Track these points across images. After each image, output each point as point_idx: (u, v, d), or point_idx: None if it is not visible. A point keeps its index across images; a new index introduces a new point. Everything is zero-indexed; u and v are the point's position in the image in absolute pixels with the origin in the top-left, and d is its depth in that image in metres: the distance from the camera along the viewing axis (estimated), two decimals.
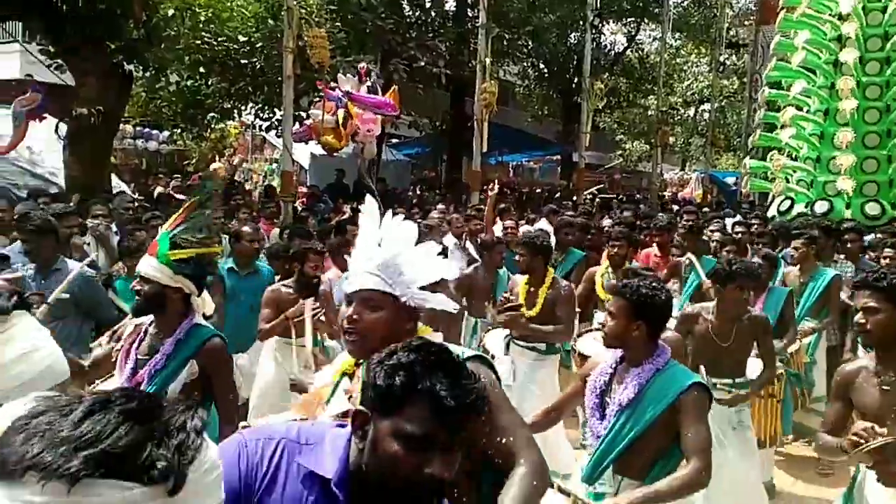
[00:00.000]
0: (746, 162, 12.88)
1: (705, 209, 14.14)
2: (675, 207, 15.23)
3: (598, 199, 16.51)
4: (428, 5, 17.05)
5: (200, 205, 3.09)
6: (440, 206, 11.54)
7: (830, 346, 6.12)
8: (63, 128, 10.64)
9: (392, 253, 1.95)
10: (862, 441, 2.52)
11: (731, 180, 23.19)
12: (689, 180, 25.88)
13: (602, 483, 2.88)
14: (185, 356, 2.98)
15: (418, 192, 18.01)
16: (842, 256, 6.71)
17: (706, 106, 28.54)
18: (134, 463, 0.87)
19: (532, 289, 5.02)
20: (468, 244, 7.69)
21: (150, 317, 3.07)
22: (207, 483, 0.94)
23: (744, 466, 4.19)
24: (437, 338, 1.98)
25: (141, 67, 10.96)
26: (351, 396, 1.96)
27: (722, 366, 4.26)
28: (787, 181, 11.50)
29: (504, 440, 1.78)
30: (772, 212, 11.43)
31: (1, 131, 11.87)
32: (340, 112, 9.92)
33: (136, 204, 9.31)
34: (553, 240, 6.79)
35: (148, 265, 2.94)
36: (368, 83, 10.53)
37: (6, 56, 17.31)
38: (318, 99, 10.89)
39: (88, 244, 6.52)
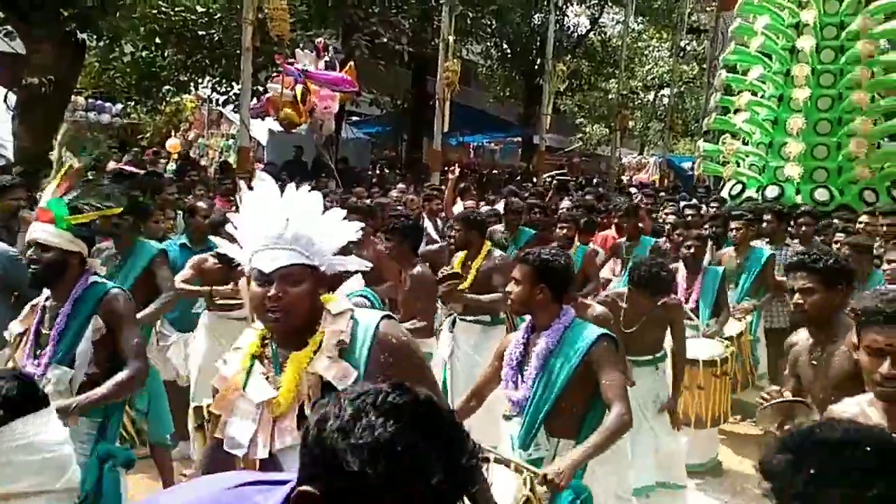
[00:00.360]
0: (700, 144, 13.03)
1: (661, 193, 14.33)
2: (633, 191, 15.40)
3: (555, 181, 16.60)
4: None
5: (86, 170, 3.14)
6: (400, 185, 11.49)
7: (770, 328, 6.28)
8: (12, 98, 10.30)
9: (302, 225, 1.92)
10: (766, 401, 2.94)
11: (687, 165, 23.50)
12: (646, 164, 26.18)
13: (537, 448, 2.98)
14: (86, 314, 2.93)
15: (378, 172, 17.90)
16: (795, 241, 6.85)
17: (666, 91, 28.85)
18: None
19: (469, 262, 5.11)
20: (427, 224, 7.72)
21: (45, 293, 3.02)
22: (15, 461, 0.88)
23: (666, 438, 4.27)
24: (344, 301, 2.04)
25: (95, 36, 10.63)
26: (268, 377, 1.95)
27: (632, 349, 4.20)
28: (739, 165, 11.71)
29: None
30: (724, 195, 11.64)
31: None
32: (299, 87, 9.78)
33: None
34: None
35: (44, 232, 2.88)
36: (326, 58, 10.37)
37: None
38: (276, 73, 10.71)
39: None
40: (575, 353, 2.90)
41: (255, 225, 1.94)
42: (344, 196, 8.43)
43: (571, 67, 18.95)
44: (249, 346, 2.02)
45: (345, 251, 2.05)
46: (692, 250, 5.49)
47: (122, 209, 3.93)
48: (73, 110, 13.94)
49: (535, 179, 16.11)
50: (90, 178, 3.25)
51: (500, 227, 7.08)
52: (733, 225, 6.28)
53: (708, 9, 27.40)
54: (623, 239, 6.93)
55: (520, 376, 3.03)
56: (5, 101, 10.26)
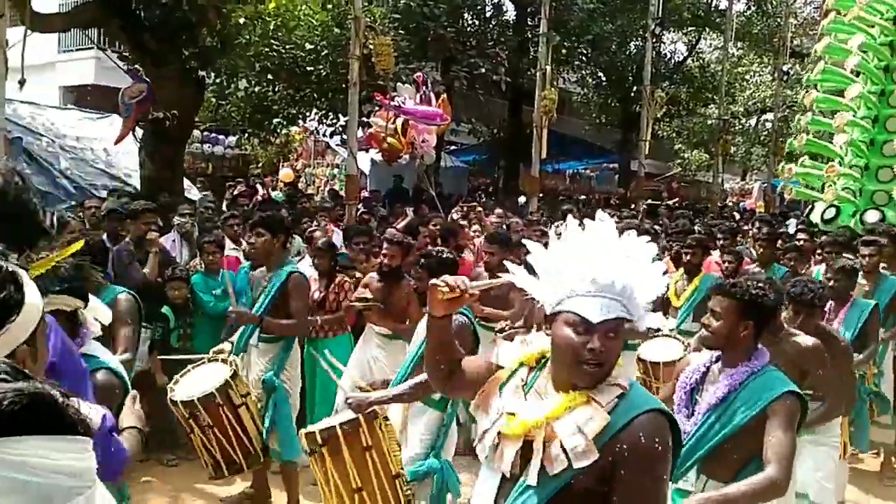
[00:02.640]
0: (792, 168, 12.41)
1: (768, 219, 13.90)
2: (737, 216, 15.02)
3: (644, 206, 16.39)
4: (488, 14, 17.22)
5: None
6: (497, 210, 11.67)
7: None
8: (139, 131, 11.13)
9: (632, 276, 1.82)
10: None
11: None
12: (750, 190, 25.41)
13: (685, 481, 2.85)
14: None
15: (475, 198, 18.16)
16: None
17: (768, 115, 28.00)
18: None
19: None
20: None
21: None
22: None
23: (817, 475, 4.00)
24: (626, 373, 1.92)
25: (213, 73, 11.38)
26: (525, 385, 1.95)
27: None
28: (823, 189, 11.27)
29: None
30: (814, 220, 11.16)
31: (79, 132, 12.52)
32: (399, 120, 10.16)
33: (215, 205, 9.75)
34: None
35: None
36: (427, 91, 10.70)
37: (81, 63, 18.14)
38: (378, 108, 11.13)
39: (174, 240, 6.87)
40: (756, 401, 2.69)
41: (580, 265, 1.83)
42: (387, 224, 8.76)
43: (670, 94, 18.74)
44: (525, 353, 2.00)
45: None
46: (835, 283, 4.99)
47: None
48: (190, 142, 14.88)
49: (633, 206, 15.96)
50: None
51: None
52: (865, 251, 5.82)
53: (811, 32, 26.57)
54: (754, 266, 6.64)
55: (687, 406, 2.88)
56: (133, 133, 11.08)
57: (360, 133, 11.42)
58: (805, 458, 3.88)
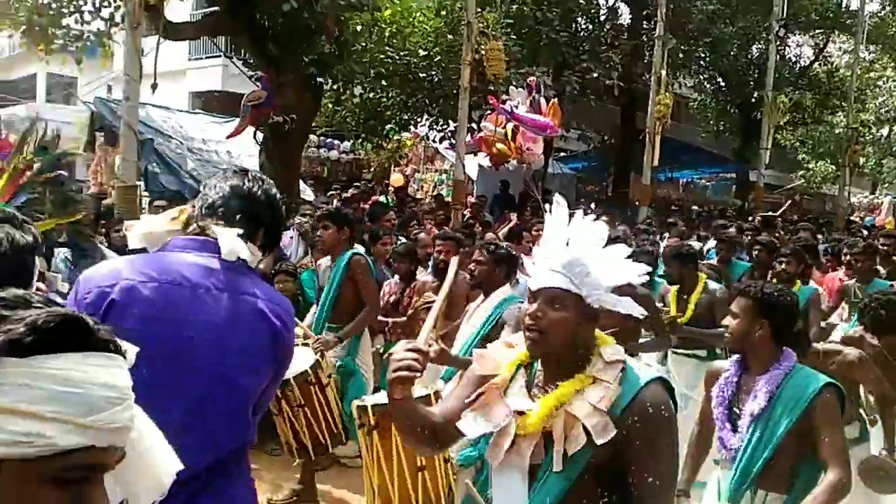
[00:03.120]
0: None
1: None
2: (865, 232, 14.13)
3: (758, 217, 15.66)
4: (602, 18, 16.96)
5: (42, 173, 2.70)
6: (603, 218, 11.46)
7: None
8: (260, 135, 11.64)
9: (580, 252, 1.89)
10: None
11: None
12: (880, 205, 23.85)
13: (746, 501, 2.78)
14: None
15: (583, 206, 17.91)
16: None
17: None
18: None
19: (684, 297, 5.20)
20: None
21: None
22: (34, 385, 0.89)
23: None
24: (618, 349, 1.95)
25: (330, 80, 11.76)
26: (531, 391, 1.98)
27: None
28: None
29: (650, 480, 1.85)
30: None
31: (205, 135, 13.23)
32: (510, 126, 10.15)
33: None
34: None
35: None
36: (537, 97, 10.64)
37: (209, 70, 19.17)
38: (489, 112, 11.17)
39: (291, 237, 7.18)
40: (797, 403, 2.67)
41: (542, 248, 1.97)
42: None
43: (794, 100, 17.86)
44: (520, 353, 2.03)
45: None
46: None
47: (83, 215, 3.88)
48: (307, 147, 15.43)
49: (751, 218, 15.30)
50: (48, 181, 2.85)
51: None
52: None
53: None
54: (852, 280, 6.32)
55: (730, 420, 2.86)
56: (255, 137, 11.59)
57: (468, 138, 11.51)
58: None
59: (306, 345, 4.53)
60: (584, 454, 1.85)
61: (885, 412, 3.55)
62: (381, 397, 3.61)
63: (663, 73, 12.95)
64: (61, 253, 4.64)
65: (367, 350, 5.00)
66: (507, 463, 1.95)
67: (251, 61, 12.04)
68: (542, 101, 10.54)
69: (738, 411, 2.84)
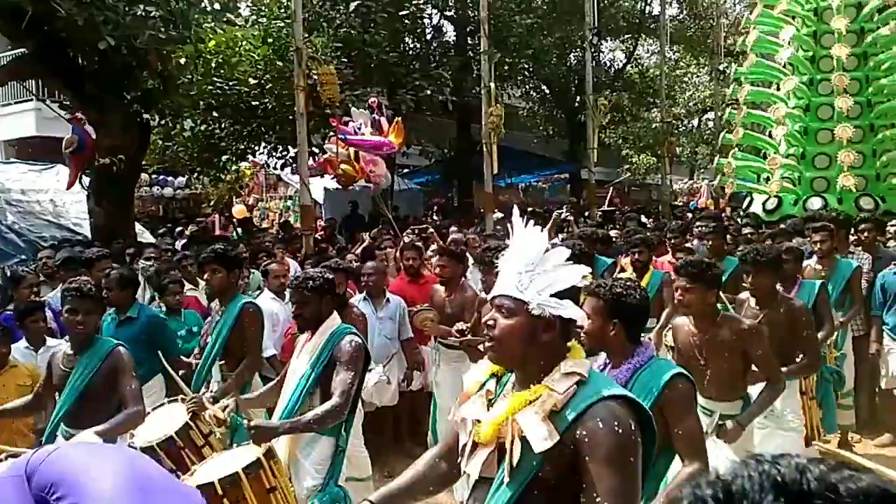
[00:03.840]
0: (731, 161, 12.67)
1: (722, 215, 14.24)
2: (689, 216, 15.36)
3: (599, 213, 16.68)
4: (429, 36, 17.41)
5: None
6: (453, 228, 11.75)
7: (856, 337, 6.20)
8: (86, 179, 10.96)
9: (520, 262, 1.94)
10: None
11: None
12: (699, 189, 25.97)
13: None
14: None
15: (432, 218, 18.25)
16: (858, 248, 6.82)
17: (710, 115, 28.73)
18: None
19: None
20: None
21: None
22: None
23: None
24: (582, 363, 1.96)
25: (157, 115, 11.28)
26: (491, 400, 2.01)
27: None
28: (768, 181, 11.61)
29: (598, 500, 1.79)
30: (755, 211, 11.47)
31: (24, 185, 12.28)
32: (352, 149, 10.20)
33: (172, 247, 9.73)
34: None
35: None
36: (374, 117, 10.74)
37: (21, 115, 17.80)
38: (331, 134, 11.13)
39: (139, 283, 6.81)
40: (648, 394, 2.66)
41: (502, 258, 2.04)
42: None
43: (613, 101, 19.12)
44: (494, 367, 2.07)
45: None
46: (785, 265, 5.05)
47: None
48: (139, 186, 14.69)
49: (587, 213, 16.19)
50: None
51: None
52: (816, 237, 6.02)
53: (743, 31, 27.41)
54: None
55: None
56: (80, 182, 10.90)
57: (311, 162, 11.41)
58: (769, 446, 4.02)
59: (176, 400, 4.22)
60: (530, 464, 1.85)
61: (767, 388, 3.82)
62: (228, 462, 3.40)
63: (492, 85, 13.42)
64: None
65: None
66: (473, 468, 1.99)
67: (68, 103, 11.34)
68: (383, 120, 10.64)
69: None
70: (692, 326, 3.83)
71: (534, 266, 1.93)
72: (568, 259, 1.98)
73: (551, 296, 1.91)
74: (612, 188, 25.50)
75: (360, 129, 10.06)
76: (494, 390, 2.04)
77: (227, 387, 4.49)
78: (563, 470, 1.84)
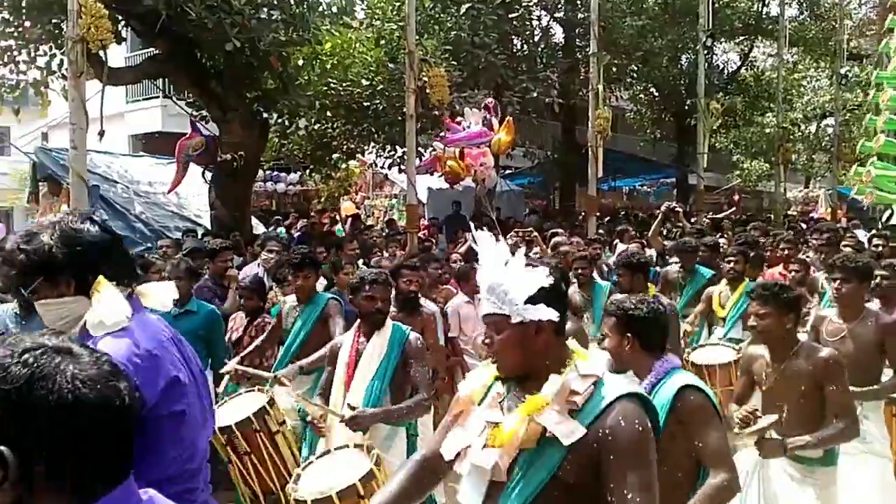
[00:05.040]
0: (870, 170, 11.98)
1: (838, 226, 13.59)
2: (804, 226, 14.73)
3: (707, 220, 16.18)
4: (537, 38, 17.41)
5: None
6: (558, 230, 11.71)
7: None
8: (208, 174, 11.61)
9: (491, 276, 2.02)
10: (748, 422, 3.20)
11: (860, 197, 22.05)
12: (815, 198, 24.81)
13: None
14: None
15: (531, 221, 18.23)
16: None
17: (829, 120, 27.36)
18: None
19: None
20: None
21: None
22: None
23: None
24: (596, 360, 2.01)
25: (275, 114, 11.81)
26: (501, 402, 2.05)
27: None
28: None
29: (628, 496, 1.84)
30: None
31: (151, 177, 13.12)
32: (456, 148, 10.37)
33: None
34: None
35: None
36: (489, 117, 10.86)
37: (148, 111, 18.99)
38: (442, 133, 11.32)
39: (256, 274, 7.19)
40: (661, 409, 2.56)
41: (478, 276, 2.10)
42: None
43: (725, 104, 18.54)
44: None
45: None
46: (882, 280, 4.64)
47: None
48: (254, 181, 15.40)
49: (693, 219, 15.78)
50: None
51: (674, 268, 7.07)
52: None
53: (868, 33, 25.96)
54: (822, 273, 6.43)
55: None
56: (203, 176, 11.56)
57: (417, 161, 11.67)
58: (858, 473, 3.77)
59: (255, 390, 4.42)
60: (548, 465, 1.89)
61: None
62: (318, 488, 3.31)
63: (600, 87, 13.32)
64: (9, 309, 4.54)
65: None
66: (475, 475, 2.02)
67: (193, 100, 12.03)
68: (495, 121, 10.77)
69: None
70: (768, 356, 3.52)
71: (502, 279, 1.99)
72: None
73: (526, 303, 1.96)
74: (731, 200, 24.80)
75: (468, 127, 10.23)
76: (503, 394, 2.08)
77: (311, 362, 4.56)
78: (582, 470, 1.87)
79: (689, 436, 2.62)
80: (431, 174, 11.60)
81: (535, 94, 14.01)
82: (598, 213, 15.08)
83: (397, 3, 12.85)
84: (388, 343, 3.90)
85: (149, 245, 10.74)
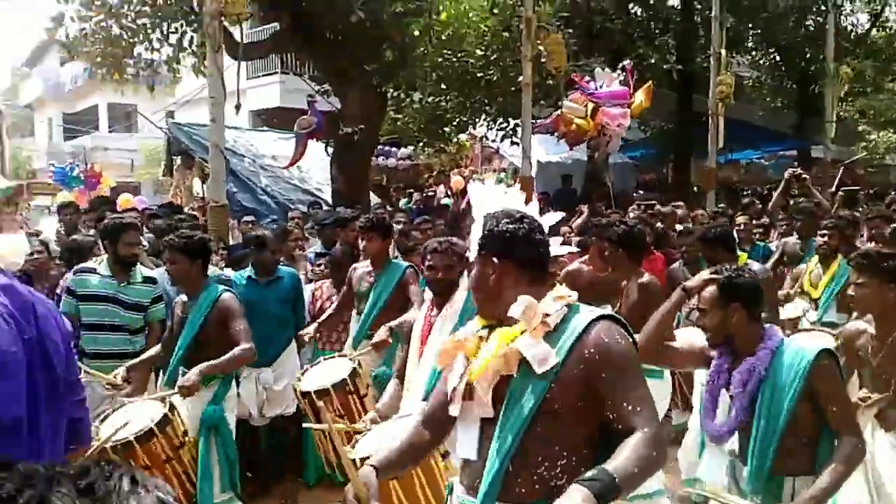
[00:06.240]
0: None
1: None
2: None
3: (840, 194, 15.25)
4: (654, 2, 16.81)
5: None
6: (679, 203, 11.36)
7: None
8: (330, 148, 11.90)
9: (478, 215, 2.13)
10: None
11: None
12: None
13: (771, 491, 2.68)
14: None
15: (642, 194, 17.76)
16: None
17: None
18: None
19: None
20: None
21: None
22: None
23: None
24: (569, 293, 2.02)
25: (393, 87, 11.97)
26: (484, 339, 2.07)
27: None
28: None
29: (629, 407, 1.81)
30: None
31: (274, 151, 13.60)
32: (590, 105, 10.15)
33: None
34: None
35: None
36: (623, 78, 10.65)
37: (267, 87, 19.65)
38: (569, 92, 11.06)
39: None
40: (797, 376, 2.57)
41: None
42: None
43: (857, 69, 17.41)
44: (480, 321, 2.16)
45: None
46: None
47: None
48: None
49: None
50: None
51: (793, 239, 6.83)
52: None
53: None
54: None
55: (713, 410, 2.84)
56: (326, 150, 11.87)
57: (539, 121, 11.54)
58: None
59: (343, 356, 4.56)
60: (534, 394, 1.87)
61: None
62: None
63: (722, 52, 12.82)
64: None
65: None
66: (467, 413, 2.03)
67: (308, 78, 12.37)
68: (632, 84, 10.59)
69: (730, 397, 2.77)
70: (871, 329, 3.27)
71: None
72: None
73: (482, 247, 2.02)
74: (842, 168, 23.33)
75: (600, 87, 10.06)
76: (485, 336, 2.07)
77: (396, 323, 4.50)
78: (569, 396, 1.86)
79: (823, 400, 2.58)
80: (552, 134, 11.39)
81: (652, 61, 13.59)
82: (716, 187, 14.54)
83: None
84: (459, 314, 3.63)
85: (275, 217, 11.15)
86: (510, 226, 2.02)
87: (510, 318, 1.96)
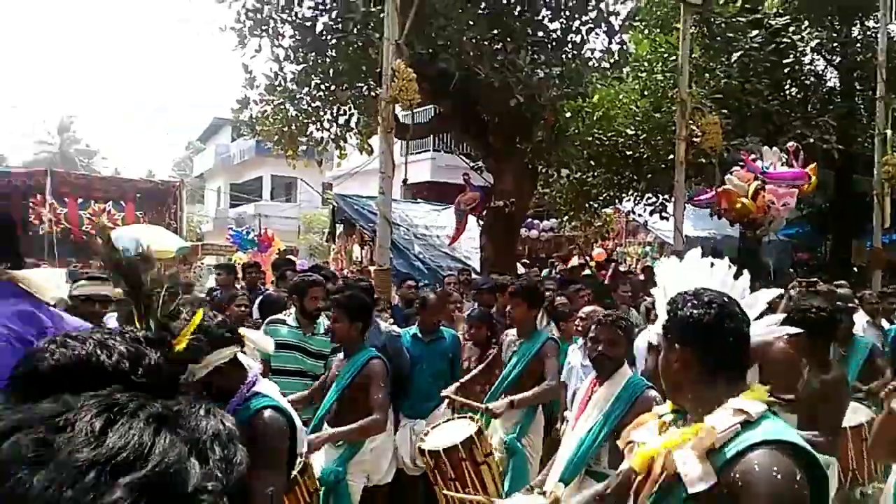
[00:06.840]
0: None
1: None
2: None
3: None
4: (811, 83, 16.49)
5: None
6: (842, 281, 10.94)
7: None
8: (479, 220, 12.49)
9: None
10: None
11: None
12: None
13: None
14: None
15: (799, 273, 17.05)
16: None
17: None
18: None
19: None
20: (883, 322, 7.58)
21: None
22: None
23: None
24: (754, 404, 1.83)
25: (545, 164, 12.45)
26: (666, 423, 2.03)
27: None
28: None
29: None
30: None
31: (426, 221, 14.36)
32: (754, 184, 10.16)
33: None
34: None
35: None
36: (793, 160, 10.63)
37: (420, 164, 20.79)
38: (735, 169, 11.06)
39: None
40: None
41: None
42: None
43: None
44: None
45: None
46: None
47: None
48: None
49: None
50: None
51: None
52: None
53: None
54: None
55: None
56: (478, 221, 12.45)
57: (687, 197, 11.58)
58: None
59: (466, 418, 4.51)
60: (676, 499, 1.79)
61: None
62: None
63: (888, 132, 12.39)
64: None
65: (537, 432, 4.89)
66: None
67: (468, 154, 13.11)
68: (797, 165, 10.55)
69: None
70: None
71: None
72: None
73: (667, 332, 1.92)
74: None
75: (768, 168, 10.07)
76: (671, 422, 2.00)
77: (522, 399, 4.60)
78: None
79: None
80: (712, 210, 11.34)
81: (811, 140, 13.31)
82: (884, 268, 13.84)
83: (665, 55, 12.99)
84: (617, 395, 3.44)
85: (426, 281, 11.75)
86: (695, 311, 1.86)
87: (694, 410, 1.90)
